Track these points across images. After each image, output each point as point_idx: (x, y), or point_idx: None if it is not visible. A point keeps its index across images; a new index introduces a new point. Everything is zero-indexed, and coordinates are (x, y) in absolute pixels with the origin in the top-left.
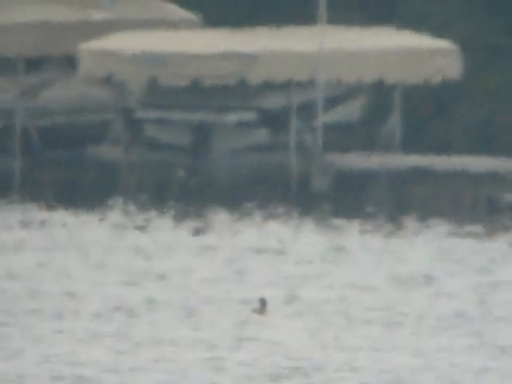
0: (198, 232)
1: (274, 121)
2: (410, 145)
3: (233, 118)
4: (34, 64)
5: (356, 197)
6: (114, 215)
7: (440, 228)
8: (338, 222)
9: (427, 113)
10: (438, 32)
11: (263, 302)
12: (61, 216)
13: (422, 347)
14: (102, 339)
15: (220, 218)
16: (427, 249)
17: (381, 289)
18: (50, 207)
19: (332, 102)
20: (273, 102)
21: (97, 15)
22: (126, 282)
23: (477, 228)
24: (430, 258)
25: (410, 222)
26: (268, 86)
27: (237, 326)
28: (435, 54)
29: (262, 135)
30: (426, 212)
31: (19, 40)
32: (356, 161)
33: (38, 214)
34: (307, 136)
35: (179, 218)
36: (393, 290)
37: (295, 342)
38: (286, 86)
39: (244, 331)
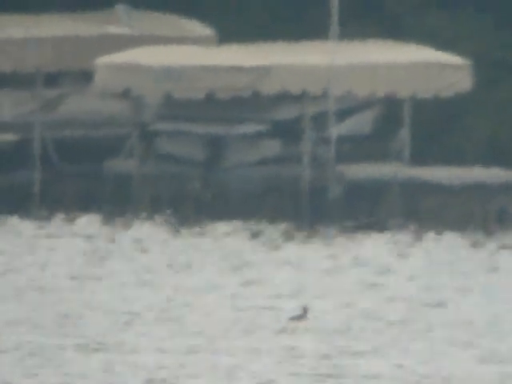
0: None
1: (287, 132)
2: (421, 157)
3: (246, 129)
4: (52, 78)
5: (367, 208)
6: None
7: (451, 240)
8: (350, 233)
9: (437, 126)
10: (448, 46)
11: (305, 310)
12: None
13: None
14: None
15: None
16: (436, 260)
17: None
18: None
19: (344, 114)
20: (286, 113)
21: (114, 30)
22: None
23: (488, 240)
24: (440, 270)
25: (421, 234)
26: (281, 99)
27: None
28: (446, 68)
29: (275, 147)
30: (436, 224)
31: (38, 54)
32: (367, 172)
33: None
34: (320, 147)
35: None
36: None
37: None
38: (299, 99)
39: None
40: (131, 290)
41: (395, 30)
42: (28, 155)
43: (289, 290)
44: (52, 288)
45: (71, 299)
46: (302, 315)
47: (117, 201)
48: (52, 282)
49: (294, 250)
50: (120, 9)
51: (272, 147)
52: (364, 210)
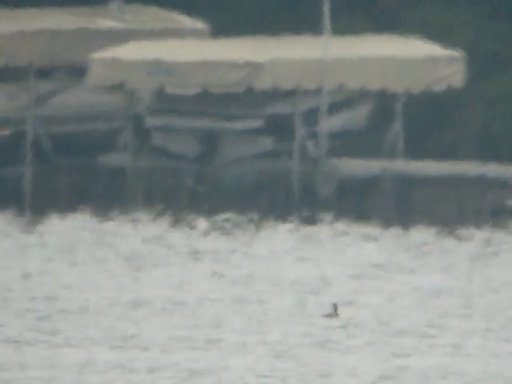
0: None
1: (280, 128)
2: (413, 151)
3: (239, 125)
4: (44, 72)
5: (360, 203)
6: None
7: (442, 233)
8: (342, 227)
9: (430, 119)
10: (441, 40)
11: (335, 307)
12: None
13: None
14: None
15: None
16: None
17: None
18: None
19: (337, 109)
20: (279, 109)
21: (107, 25)
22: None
23: (480, 233)
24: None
25: (413, 228)
26: (274, 94)
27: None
28: (439, 61)
29: (268, 142)
30: (429, 218)
31: (30, 49)
32: (360, 167)
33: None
34: (311, 143)
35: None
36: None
37: None
38: (292, 94)
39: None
40: None
41: (388, 23)
42: (21, 149)
43: None
44: None
45: None
46: (333, 313)
47: (111, 195)
48: None
49: None
50: (113, 3)
51: (265, 142)
52: (356, 204)
